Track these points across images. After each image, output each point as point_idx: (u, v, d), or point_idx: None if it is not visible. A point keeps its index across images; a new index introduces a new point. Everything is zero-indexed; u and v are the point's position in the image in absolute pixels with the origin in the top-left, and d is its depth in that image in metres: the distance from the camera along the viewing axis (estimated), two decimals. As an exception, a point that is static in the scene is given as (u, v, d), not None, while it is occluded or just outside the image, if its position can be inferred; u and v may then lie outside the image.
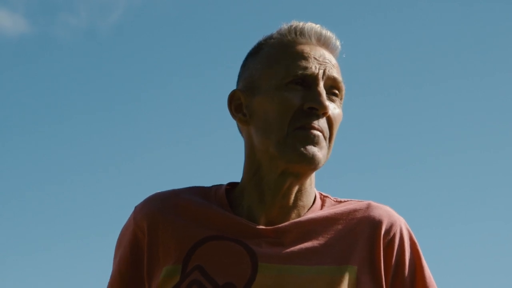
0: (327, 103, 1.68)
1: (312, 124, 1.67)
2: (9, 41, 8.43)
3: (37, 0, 8.47)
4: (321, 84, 1.70)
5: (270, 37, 1.77)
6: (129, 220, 1.77)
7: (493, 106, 8.23)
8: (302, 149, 1.66)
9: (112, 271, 1.79)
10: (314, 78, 1.70)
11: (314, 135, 1.67)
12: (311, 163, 1.67)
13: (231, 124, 1.81)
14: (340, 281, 1.66)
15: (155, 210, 1.74)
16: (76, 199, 8.42)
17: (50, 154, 8.63)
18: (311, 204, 1.76)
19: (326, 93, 1.70)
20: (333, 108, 1.71)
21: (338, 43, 1.77)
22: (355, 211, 1.75)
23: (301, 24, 1.76)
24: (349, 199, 1.80)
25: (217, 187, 1.80)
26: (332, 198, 1.80)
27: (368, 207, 1.76)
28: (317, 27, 1.76)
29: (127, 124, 8.40)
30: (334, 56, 1.76)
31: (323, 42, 1.75)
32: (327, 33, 1.76)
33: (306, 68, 1.70)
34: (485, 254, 7.72)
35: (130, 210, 1.78)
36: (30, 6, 8.46)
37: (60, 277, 7.88)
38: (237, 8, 8.20)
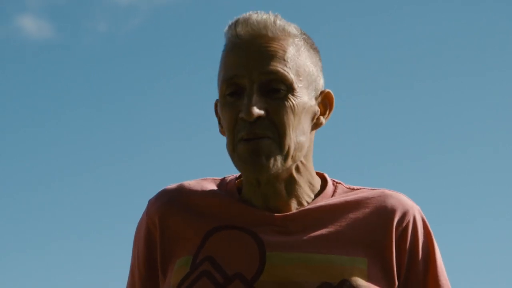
0: (253, 108, 1.61)
1: (249, 135, 1.62)
2: (34, 46, 8.53)
3: (61, 6, 8.60)
4: (249, 88, 1.63)
5: None
6: (143, 214, 1.78)
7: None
8: (244, 165, 1.63)
9: (130, 266, 1.81)
10: (242, 86, 1.64)
11: (251, 146, 1.62)
12: (260, 173, 1.64)
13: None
14: (350, 271, 1.63)
15: (166, 203, 1.74)
16: (87, 195, 8.50)
17: (66, 154, 8.78)
18: (318, 190, 1.73)
19: (265, 91, 1.63)
20: (276, 105, 1.63)
21: (273, 22, 1.66)
22: (367, 199, 1.71)
23: (235, 21, 1.67)
24: (362, 187, 1.76)
25: (229, 178, 1.79)
26: (345, 185, 1.77)
27: (381, 196, 1.72)
28: (249, 18, 1.66)
29: (142, 124, 8.50)
30: (272, 39, 1.65)
31: (256, 31, 1.65)
32: (259, 19, 1.66)
33: (232, 77, 1.64)
34: (499, 251, 7.72)
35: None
36: (54, 11, 8.58)
37: (66, 275, 7.91)
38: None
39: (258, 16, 1.66)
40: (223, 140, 1.70)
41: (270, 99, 1.63)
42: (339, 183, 1.77)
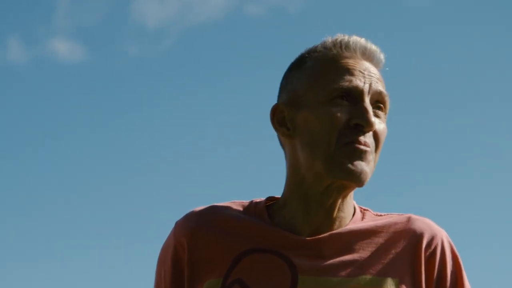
0: (373, 119, 1.67)
1: (359, 140, 1.66)
2: (66, 68, 8.71)
3: (93, 29, 8.73)
4: (367, 99, 1.69)
5: (314, 50, 1.74)
6: (170, 236, 1.78)
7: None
8: (349, 165, 1.65)
9: (154, 286, 1.80)
10: (360, 93, 1.68)
11: (362, 150, 1.66)
12: (359, 180, 1.66)
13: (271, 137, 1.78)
14: None
15: (194, 225, 1.74)
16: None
17: (89, 171, 8.93)
18: (352, 215, 1.75)
19: (372, 108, 1.69)
20: (379, 123, 1.70)
21: (382, 56, 1.75)
22: (395, 224, 1.74)
23: (346, 37, 1.74)
24: (389, 213, 1.78)
25: (257, 201, 1.79)
26: (372, 212, 1.79)
27: (409, 220, 1.75)
28: (362, 40, 1.74)
29: (173, 144, 8.66)
30: (378, 69, 1.74)
31: (368, 55, 1.73)
32: (372, 46, 1.74)
33: (351, 81, 1.68)
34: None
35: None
36: (84, 34, 8.74)
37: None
38: (285, 37, 8.28)
39: (369, 41, 1.75)
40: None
41: (375, 115, 1.70)
42: (367, 210, 1.79)
